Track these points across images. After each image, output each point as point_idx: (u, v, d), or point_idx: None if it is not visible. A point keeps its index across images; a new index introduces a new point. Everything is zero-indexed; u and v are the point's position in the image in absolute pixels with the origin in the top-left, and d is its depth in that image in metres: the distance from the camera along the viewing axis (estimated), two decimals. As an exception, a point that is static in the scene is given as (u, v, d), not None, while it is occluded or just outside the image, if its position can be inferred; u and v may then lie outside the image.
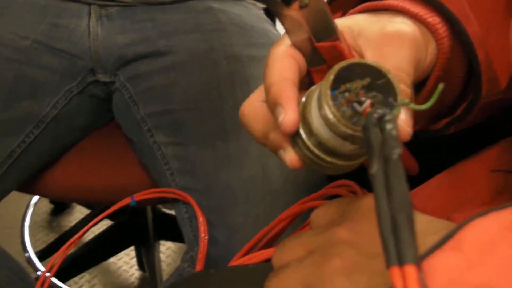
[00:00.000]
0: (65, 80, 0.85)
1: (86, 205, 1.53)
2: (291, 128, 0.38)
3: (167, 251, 1.48)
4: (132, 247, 1.43)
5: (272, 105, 0.40)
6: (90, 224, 0.72)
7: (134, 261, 1.45)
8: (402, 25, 0.43)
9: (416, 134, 0.51)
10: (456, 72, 0.48)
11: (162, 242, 1.47)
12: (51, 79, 0.84)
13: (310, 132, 0.38)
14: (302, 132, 0.39)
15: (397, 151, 0.30)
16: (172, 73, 0.80)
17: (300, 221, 0.60)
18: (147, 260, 1.30)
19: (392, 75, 0.36)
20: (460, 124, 0.50)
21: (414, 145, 0.54)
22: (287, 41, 0.41)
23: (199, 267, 0.59)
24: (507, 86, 0.49)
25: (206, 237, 0.65)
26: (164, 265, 1.44)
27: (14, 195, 1.59)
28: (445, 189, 0.54)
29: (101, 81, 0.87)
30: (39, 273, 1.34)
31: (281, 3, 0.37)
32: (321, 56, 0.41)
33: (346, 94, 0.37)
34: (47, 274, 0.68)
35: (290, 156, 0.40)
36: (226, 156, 0.73)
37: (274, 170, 0.72)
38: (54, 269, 0.69)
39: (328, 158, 0.39)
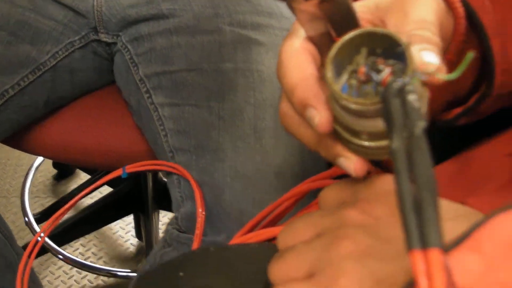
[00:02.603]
0: (67, 33, 0.85)
1: (86, 170, 1.53)
2: (328, 130, 0.36)
3: (166, 221, 1.48)
4: (131, 215, 1.43)
5: (301, 107, 0.37)
6: (82, 193, 0.73)
7: (131, 229, 1.45)
8: None
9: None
10: (473, 60, 0.46)
11: (162, 212, 1.46)
12: (53, 29, 0.85)
13: (353, 132, 0.36)
14: (347, 136, 0.36)
15: (420, 124, 0.27)
16: (174, 36, 0.80)
17: (306, 200, 0.58)
18: (144, 229, 1.30)
19: (404, 41, 0.33)
20: (472, 115, 0.48)
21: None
22: (299, 34, 0.39)
23: (196, 244, 0.58)
24: None
25: (204, 213, 0.63)
26: (161, 235, 1.43)
27: (17, 158, 1.59)
28: (458, 174, 0.51)
29: (103, 41, 0.87)
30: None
31: None
32: None
33: (357, 75, 0.34)
34: (41, 235, 0.69)
35: (354, 163, 0.37)
36: (219, 117, 0.74)
37: (266, 132, 0.72)
38: (47, 232, 0.69)
39: (384, 143, 0.36)
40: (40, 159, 1.57)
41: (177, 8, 0.82)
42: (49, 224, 0.69)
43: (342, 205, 0.38)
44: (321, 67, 0.40)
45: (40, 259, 1.37)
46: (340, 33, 0.37)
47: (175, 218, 0.73)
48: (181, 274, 0.44)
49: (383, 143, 0.35)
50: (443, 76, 0.33)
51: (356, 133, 0.36)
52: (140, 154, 0.85)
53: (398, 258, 0.33)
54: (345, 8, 0.36)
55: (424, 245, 0.24)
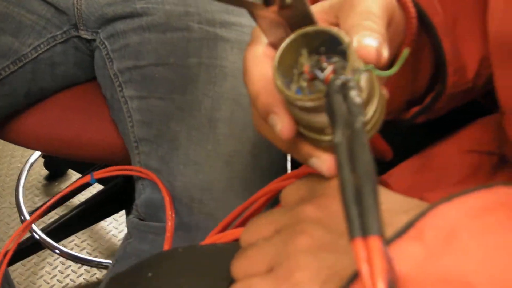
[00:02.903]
0: (50, 28, 0.89)
1: (76, 168, 1.54)
2: (291, 135, 0.37)
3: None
4: (122, 212, 1.43)
5: (265, 113, 0.38)
6: (73, 186, 0.78)
7: (123, 226, 1.46)
8: None
9: (387, 122, 0.50)
10: (427, 61, 0.48)
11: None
12: (36, 23, 0.89)
13: (318, 130, 0.37)
14: (313, 136, 0.37)
15: (360, 119, 0.28)
16: (147, 33, 0.85)
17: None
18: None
19: (347, 38, 0.34)
20: (428, 114, 0.49)
21: (387, 130, 0.53)
22: (262, 41, 0.40)
23: (167, 246, 0.59)
24: (476, 75, 0.48)
25: (173, 215, 0.64)
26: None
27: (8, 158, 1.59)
28: (418, 170, 0.53)
29: (83, 37, 0.91)
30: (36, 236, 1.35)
31: (260, 5, 0.34)
32: None
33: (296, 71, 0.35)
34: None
35: (327, 163, 0.38)
36: (179, 108, 0.78)
37: (221, 123, 0.76)
38: (37, 218, 0.72)
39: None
40: (29, 163, 1.57)
41: (150, 6, 0.86)
42: (38, 213, 0.72)
43: (301, 201, 0.39)
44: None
45: (33, 259, 1.37)
46: None
47: (135, 205, 0.76)
48: (149, 274, 0.45)
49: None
50: (381, 72, 0.34)
51: (320, 130, 0.37)
52: (116, 147, 0.88)
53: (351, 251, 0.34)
54: (304, 13, 0.36)
55: (365, 233, 0.25)
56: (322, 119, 0.35)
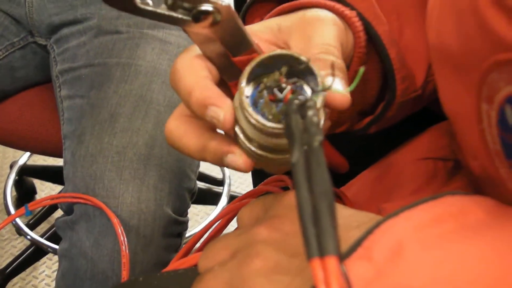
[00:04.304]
0: (7, 35, 0.99)
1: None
2: (232, 125, 0.36)
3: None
4: None
5: (201, 108, 0.37)
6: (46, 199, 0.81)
7: None
8: (320, 12, 0.42)
9: (342, 133, 0.50)
10: (374, 71, 0.48)
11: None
12: None
13: (248, 137, 0.37)
14: (242, 137, 0.37)
15: (318, 138, 0.28)
16: (83, 37, 0.94)
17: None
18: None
19: (309, 60, 0.35)
20: (381, 123, 0.49)
21: (342, 141, 0.53)
22: (196, 50, 0.39)
23: (125, 272, 0.58)
24: (424, 83, 0.48)
25: (127, 251, 0.67)
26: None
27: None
28: (375, 181, 0.53)
29: (39, 43, 1.01)
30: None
31: (189, 21, 0.35)
32: (239, 70, 0.39)
33: (265, 92, 0.35)
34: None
35: (243, 158, 0.37)
36: (92, 105, 0.85)
37: (121, 117, 0.83)
38: (19, 214, 0.76)
39: (272, 156, 0.37)
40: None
41: (88, 12, 0.95)
42: (21, 209, 0.75)
43: (256, 222, 0.38)
44: (220, 82, 0.40)
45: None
46: (236, 54, 0.38)
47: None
48: (110, 306, 0.44)
49: (269, 155, 0.37)
50: (338, 91, 0.34)
51: (249, 139, 0.37)
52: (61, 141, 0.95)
53: (305, 271, 0.34)
54: (236, 30, 0.37)
55: (322, 253, 0.25)
56: (256, 133, 0.36)
